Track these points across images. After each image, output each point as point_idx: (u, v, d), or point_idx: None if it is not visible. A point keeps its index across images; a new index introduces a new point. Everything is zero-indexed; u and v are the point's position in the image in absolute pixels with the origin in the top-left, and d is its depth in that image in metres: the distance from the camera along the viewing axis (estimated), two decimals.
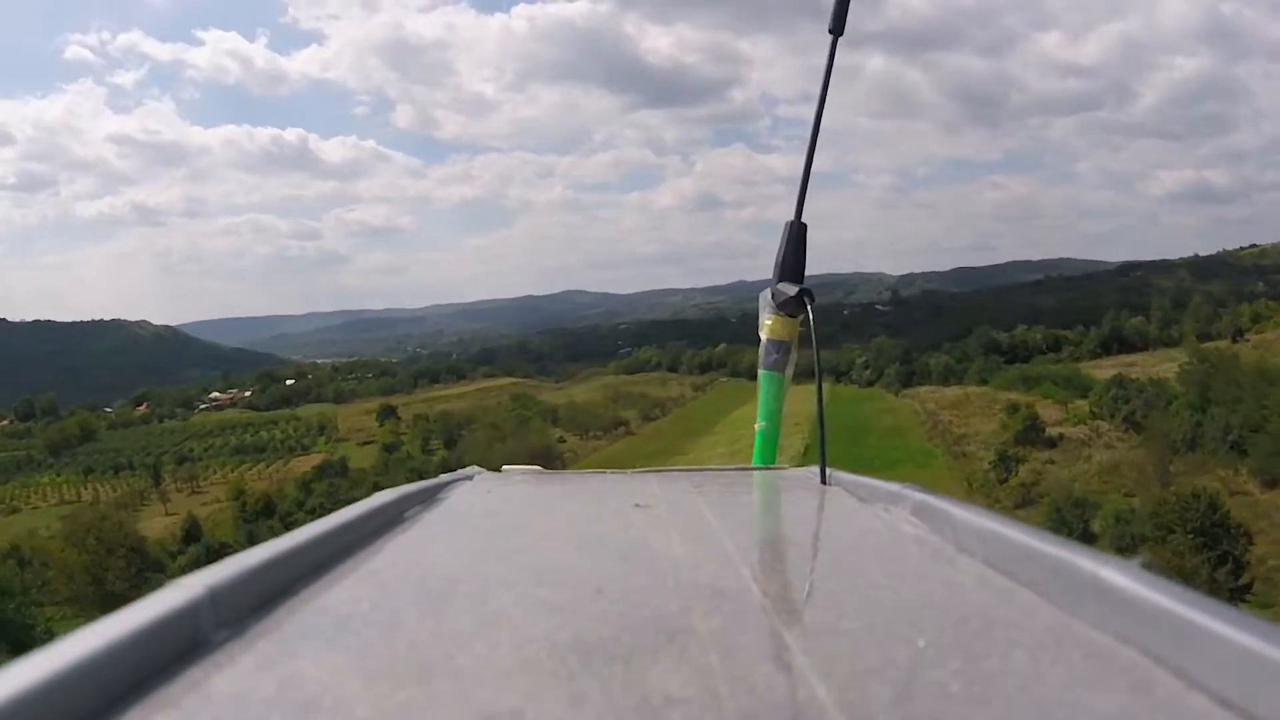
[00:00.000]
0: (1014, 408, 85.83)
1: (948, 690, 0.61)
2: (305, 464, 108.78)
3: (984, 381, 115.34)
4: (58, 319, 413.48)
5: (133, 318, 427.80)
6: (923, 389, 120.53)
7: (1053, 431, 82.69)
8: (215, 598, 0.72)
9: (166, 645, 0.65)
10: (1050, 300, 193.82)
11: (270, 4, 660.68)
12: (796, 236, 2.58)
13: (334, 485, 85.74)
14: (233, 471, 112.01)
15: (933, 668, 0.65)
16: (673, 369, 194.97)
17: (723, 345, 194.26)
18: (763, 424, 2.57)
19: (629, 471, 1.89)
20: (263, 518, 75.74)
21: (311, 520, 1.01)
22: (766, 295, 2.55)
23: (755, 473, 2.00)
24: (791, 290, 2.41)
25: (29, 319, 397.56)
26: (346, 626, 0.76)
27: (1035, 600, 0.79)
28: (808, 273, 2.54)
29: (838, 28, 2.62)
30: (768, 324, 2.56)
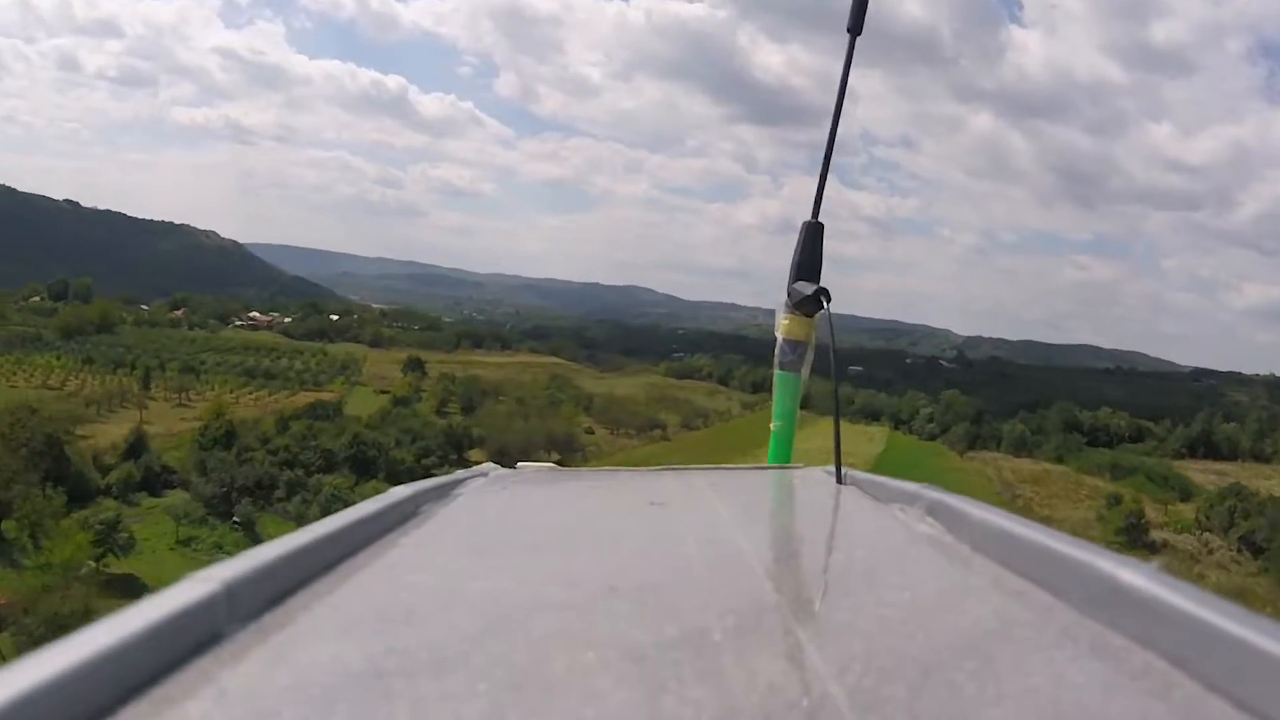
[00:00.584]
0: (1114, 499, 73.29)
1: (963, 691, 0.61)
2: (306, 399, 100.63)
3: (1060, 460, 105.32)
4: (129, 213, 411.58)
5: (202, 226, 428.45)
6: (991, 454, 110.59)
7: (1156, 535, 69.84)
8: (231, 592, 0.72)
9: (183, 639, 0.65)
10: (1120, 391, 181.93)
11: None
12: (813, 236, 2.55)
13: (313, 428, 76.70)
14: (231, 392, 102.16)
15: (948, 668, 0.65)
16: (724, 382, 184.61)
17: None
18: (778, 423, 2.54)
19: (644, 469, 1.89)
20: (219, 447, 64.94)
21: (316, 519, 0.99)
22: (782, 293, 2.53)
23: (770, 471, 1.99)
24: (808, 289, 2.35)
25: (100, 207, 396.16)
26: (360, 622, 0.77)
27: (1052, 601, 0.78)
28: (826, 274, 2.51)
29: (856, 27, 2.63)
30: (784, 323, 2.52)
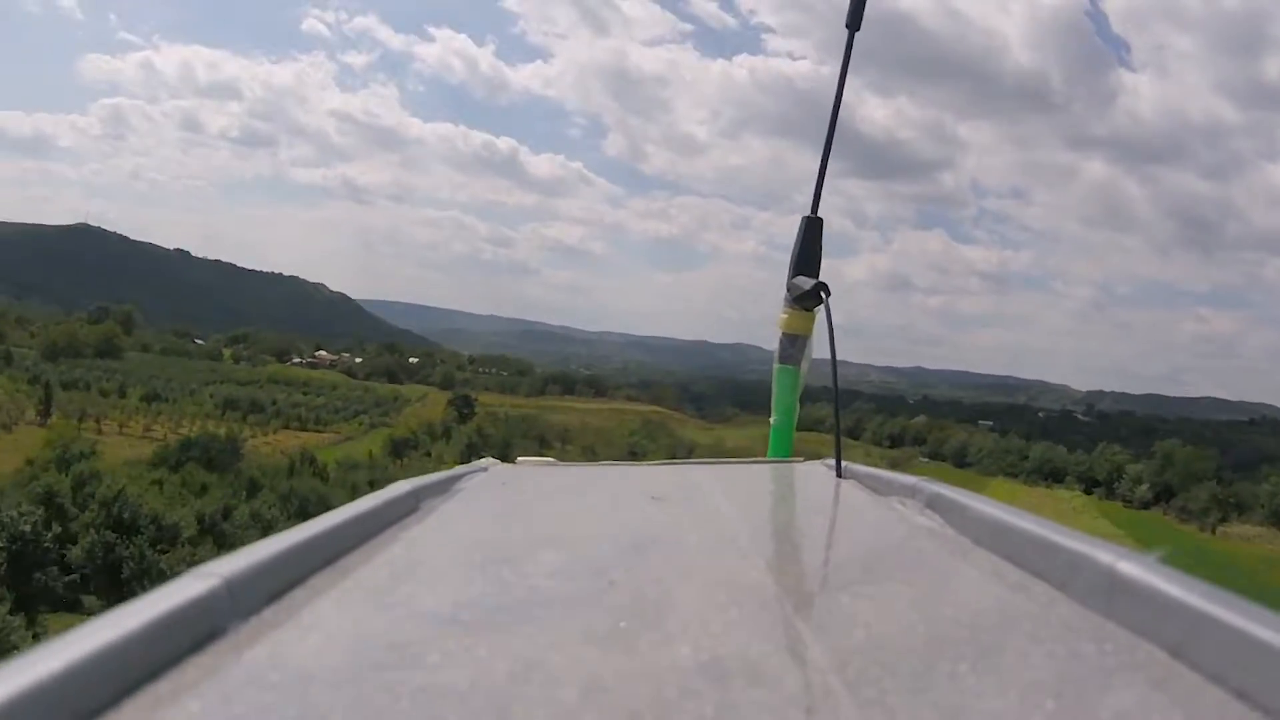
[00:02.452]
0: None
1: (963, 683, 0.60)
2: (289, 440, 78.38)
3: None
4: (240, 264, 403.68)
5: (312, 279, 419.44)
6: (1252, 527, 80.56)
7: None
8: (231, 588, 0.71)
9: (184, 634, 0.64)
10: (1274, 442, 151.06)
11: (502, 13, 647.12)
12: (813, 231, 2.53)
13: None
14: (194, 422, 73.62)
15: (948, 660, 0.64)
16: (854, 435, 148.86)
17: (923, 417, 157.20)
18: (777, 418, 2.48)
19: (644, 464, 1.86)
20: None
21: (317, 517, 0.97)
22: (783, 288, 2.47)
23: (770, 465, 1.95)
24: (808, 284, 2.28)
25: (210, 257, 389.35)
26: (361, 616, 0.76)
27: (1052, 594, 0.77)
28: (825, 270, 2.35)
29: (854, 22, 2.56)
30: (783, 318, 2.47)
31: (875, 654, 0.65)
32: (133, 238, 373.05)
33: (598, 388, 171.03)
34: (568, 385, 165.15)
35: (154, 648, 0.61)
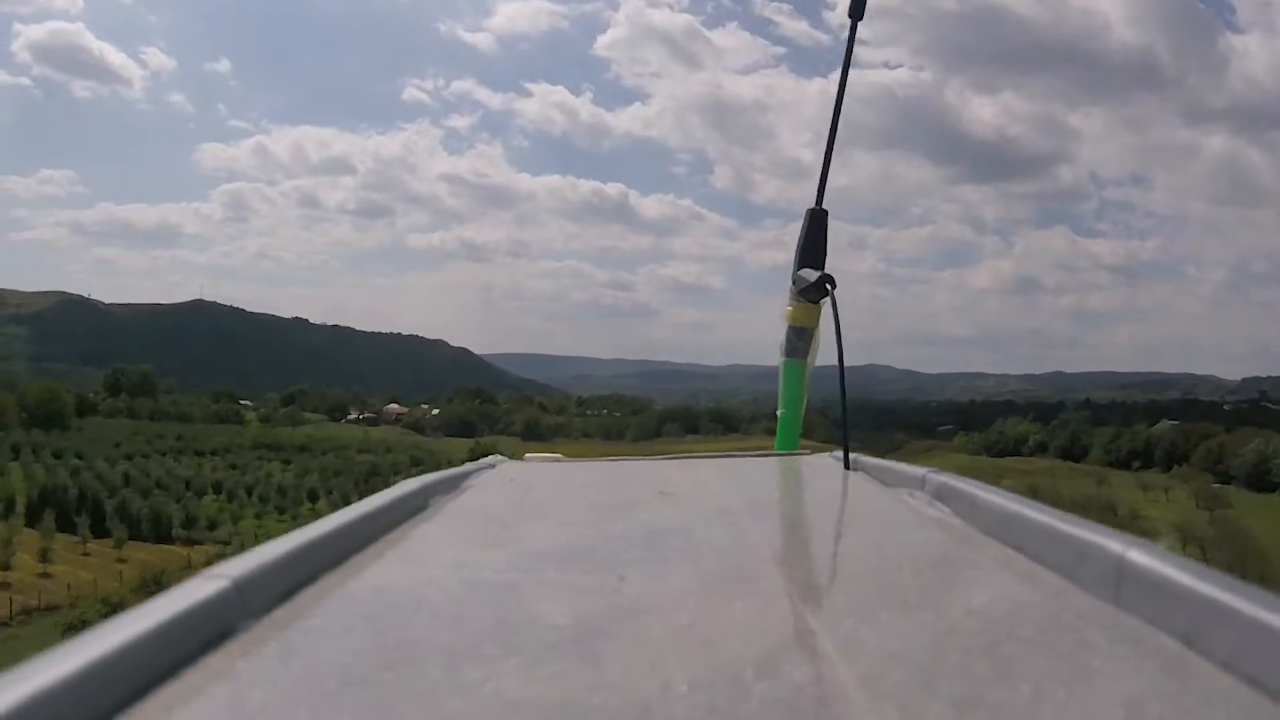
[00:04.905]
0: None
1: (973, 673, 0.58)
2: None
3: None
4: (357, 327, 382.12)
5: (431, 337, 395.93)
6: None
7: None
8: (241, 588, 0.69)
9: (194, 635, 0.63)
10: None
11: (594, 60, 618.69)
12: (818, 223, 2.45)
13: None
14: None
15: (959, 651, 0.61)
16: (1070, 456, 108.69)
17: (1166, 422, 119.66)
18: (784, 411, 2.43)
19: (652, 458, 1.80)
20: None
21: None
22: (788, 280, 2.41)
23: (778, 458, 1.88)
24: (813, 276, 2.21)
25: (329, 323, 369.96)
26: (371, 615, 0.73)
27: (1062, 583, 0.74)
28: (831, 261, 2.29)
29: (857, 11, 2.50)
30: (789, 310, 2.40)
31: (886, 646, 0.63)
32: (249, 309, 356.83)
33: (726, 422, 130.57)
34: (690, 422, 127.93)
35: (164, 649, 0.59)
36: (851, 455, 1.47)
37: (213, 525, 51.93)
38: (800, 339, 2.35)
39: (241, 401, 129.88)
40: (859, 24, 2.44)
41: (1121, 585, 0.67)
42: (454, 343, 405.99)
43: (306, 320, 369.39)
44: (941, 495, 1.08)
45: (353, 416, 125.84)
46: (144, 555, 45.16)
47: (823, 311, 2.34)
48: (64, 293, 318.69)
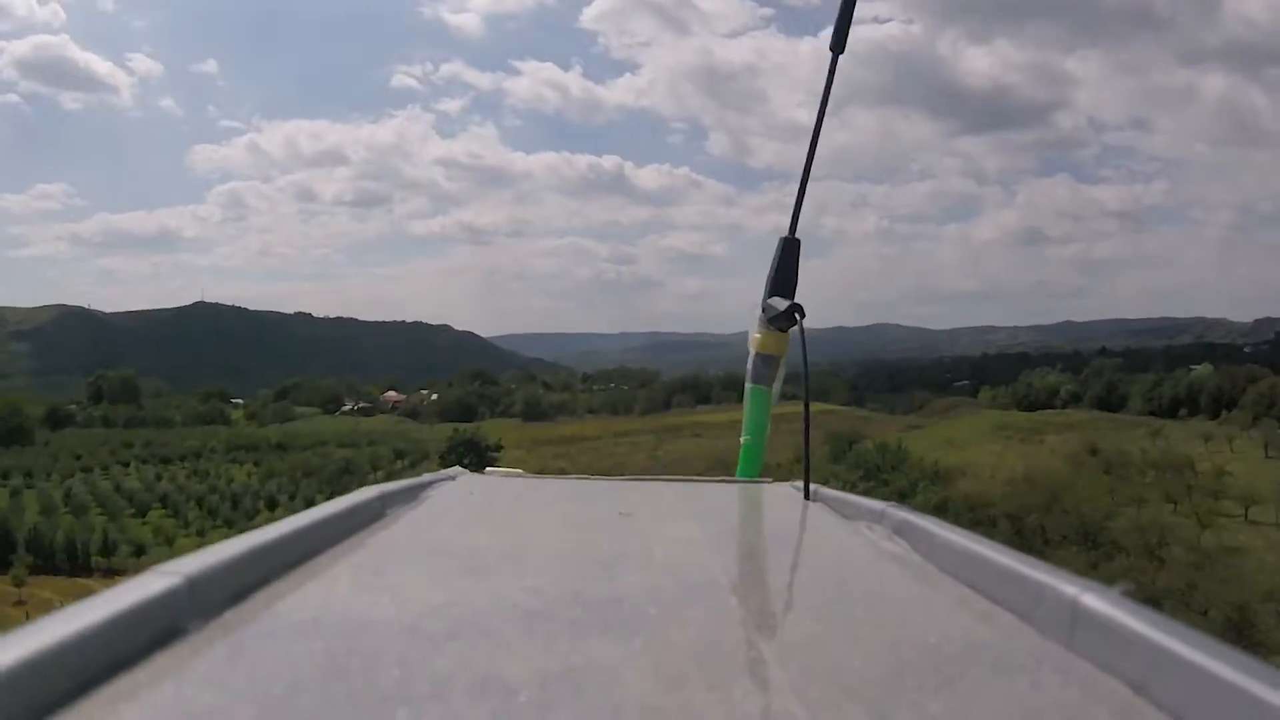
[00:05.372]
0: None
1: (925, 711, 0.57)
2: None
3: None
4: (361, 318, 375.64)
5: (436, 322, 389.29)
6: None
7: None
8: (193, 587, 0.67)
9: (142, 632, 0.61)
10: None
11: (581, 34, 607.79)
12: (790, 252, 2.42)
13: None
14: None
15: (911, 689, 0.61)
16: (1106, 406, 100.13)
17: (1205, 365, 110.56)
18: (747, 438, 2.43)
19: (614, 479, 1.80)
20: None
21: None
22: (757, 308, 2.40)
23: (739, 485, 1.87)
24: (782, 305, 2.21)
25: (332, 315, 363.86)
26: (322, 621, 0.72)
27: (1016, 624, 0.74)
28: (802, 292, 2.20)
29: (838, 45, 2.48)
30: (757, 338, 2.41)
31: (837, 679, 0.62)
32: (252, 308, 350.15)
33: (740, 390, 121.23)
34: (701, 392, 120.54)
35: (110, 645, 0.58)
36: (812, 486, 1.46)
37: (140, 550, 44.91)
38: (767, 366, 2.36)
39: (232, 400, 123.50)
40: (839, 58, 2.41)
41: (1075, 628, 0.67)
42: (459, 327, 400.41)
43: (310, 314, 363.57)
44: (900, 530, 1.07)
45: (347, 408, 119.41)
46: (48, 593, 38.37)
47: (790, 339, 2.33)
48: (64, 305, 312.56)
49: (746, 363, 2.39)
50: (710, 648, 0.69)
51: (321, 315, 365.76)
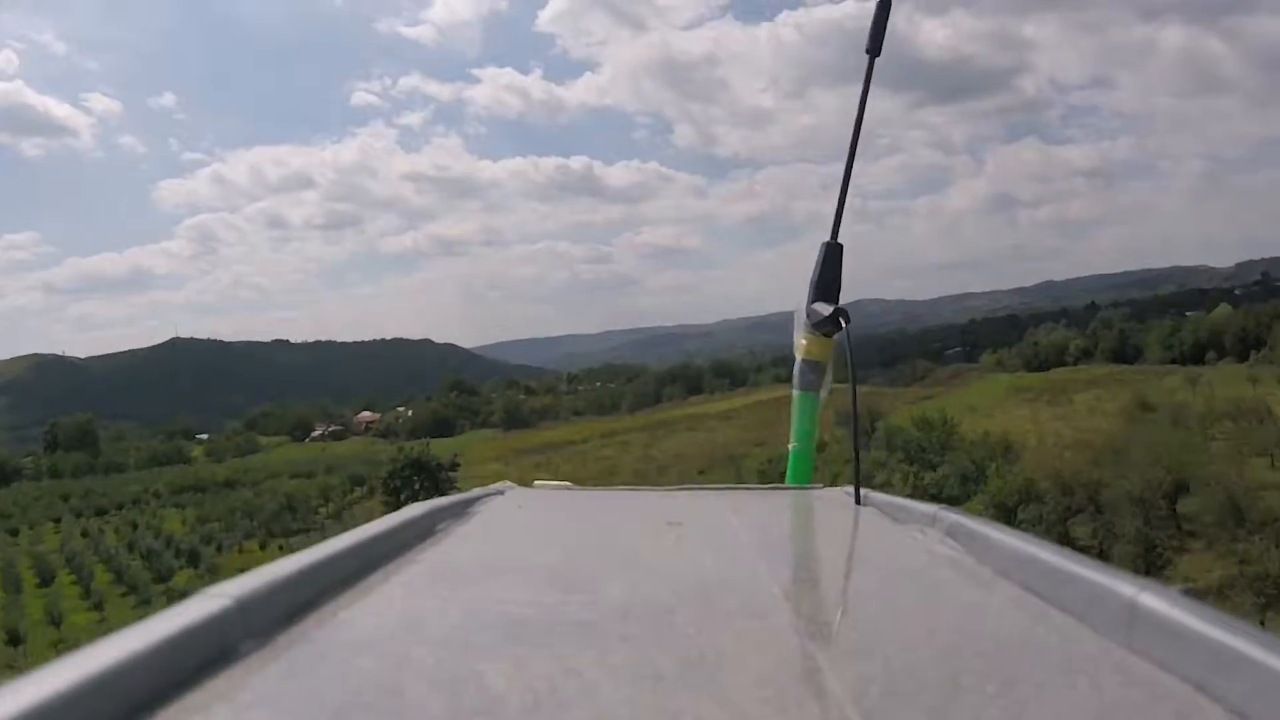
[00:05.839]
0: None
1: (983, 715, 0.56)
2: None
3: None
4: (339, 339, 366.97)
5: (415, 338, 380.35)
6: None
7: None
8: (243, 608, 0.67)
9: (194, 654, 0.61)
10: None
11: (538, 37, 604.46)
12: (833, 257, 2.35)
13: None
14: None
15: (968, 692, 0.59)
16: (1121, 358, 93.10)
17: (1224, 306, 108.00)
18: (796, 445, 2.38)
19: (662, 489, 1.75)
20: None
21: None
22: (801, 314, 2.34)
23: (788, 492, 1.84)
24: (826, 310, 2.16)
25: (310, 340, 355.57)
26: (375, 640, 0.71)
27: (1074, 625, 0.72)
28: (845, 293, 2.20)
29: (875, 48, 2.40)
30: (803, 344, 2.34)
31: (894, 685, 0.61)
32: (227, 340, 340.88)
33: (731, 376, 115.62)
34: (690, 383, 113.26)
35: (163, 667, 0.57)
36: (863, 491, 1.44)
37: (14, 639, 35.52)
38: (813, 372, 2.30)
39: (197, 436, 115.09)
40: (876, 61, 2.33)
41: (1133, 628, 0.66)
42: (440, 340, 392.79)
43: (287, 341, 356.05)
44: (953, 533, 1.06)
45: (318, 433, 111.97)
46: None
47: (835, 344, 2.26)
48: (37, 355, 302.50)
49: (793, 369, 2.30)
50: (766, 658, 0.68)
51: (299, 341, 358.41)
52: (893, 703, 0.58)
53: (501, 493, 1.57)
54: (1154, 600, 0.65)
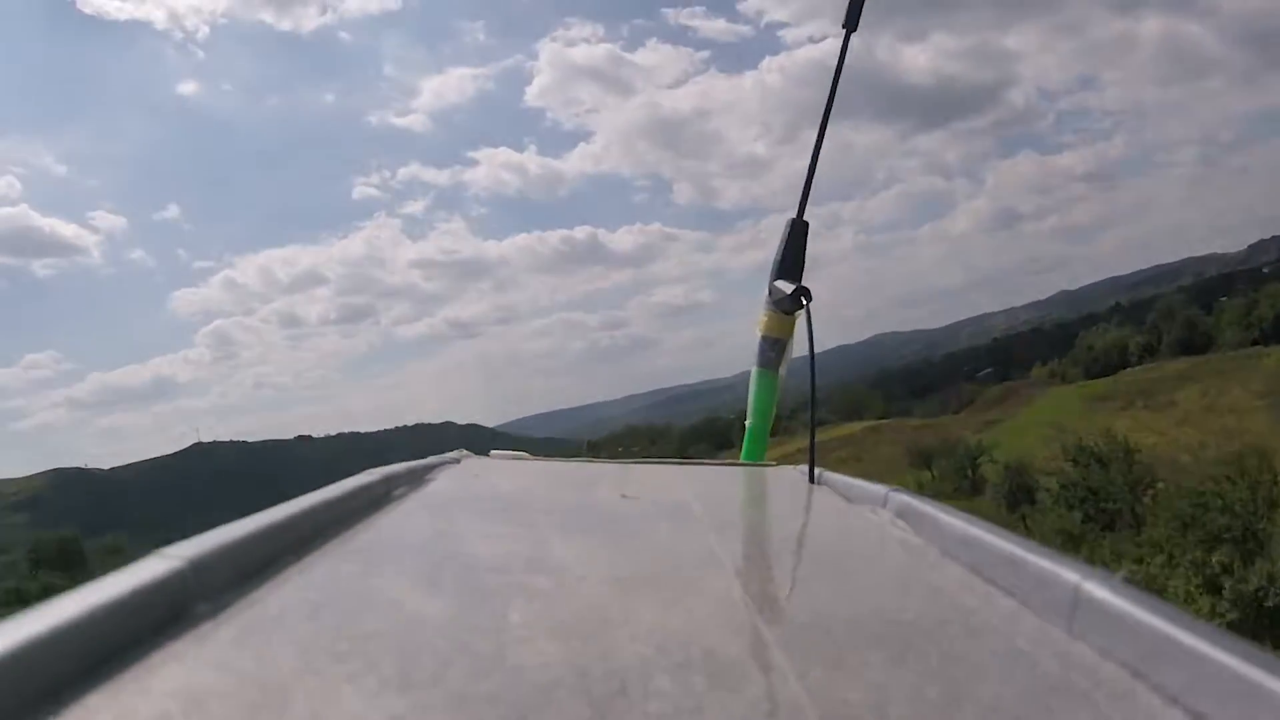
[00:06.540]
0: None
1: (925, 694, 0.57)
2: None
3: None
4: (361, 430, 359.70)
5: (437, 421, 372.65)
6: None
7: None
8: (197, 569, 0.65)
9: (147, 615, 0.59)
10: None
11: (529, 112, 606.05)
12: (798, 234, 2.39)
13: None
14: None
15: (911, 671, 0.60)
16: (1191, 349, 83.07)
17: None
18: (753, 421, 2.41)
19: (617, 461, 1.76)
20: None
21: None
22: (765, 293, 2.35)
23: (744, 469, 1.84)
24: (789, 288, 2.14)
25: (332, 434, 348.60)
26: (328, 603, 0.70)
27: (1017, 608, 0.73)
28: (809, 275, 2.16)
29: (851, 22, 2.39)
30: (763, 320, 2.37)
31: (838, 660, 0.62)
32: (250, 440, 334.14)
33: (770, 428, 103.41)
34: (719, 438, 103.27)
35: (115, 627, 0.56)
36: (816, 470, 1.43)
37: None
38: (773, 350, 2.30)
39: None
40: (852, 35, 2.34)
41: (1076, 614, 0.66)
42: (463, 421, 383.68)
43: (310, 436, 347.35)
44: (903, 514, 1.05)
45: None
46: None
47: (796, 323, 2.26)
48: (60, 469, 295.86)
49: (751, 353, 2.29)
50: (712, 629, 0.68)
51: (321, 435, 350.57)
52: (836, 677, 0.59)
53: (458, 460, 1.55)
54: (1097, 588, 0.65)
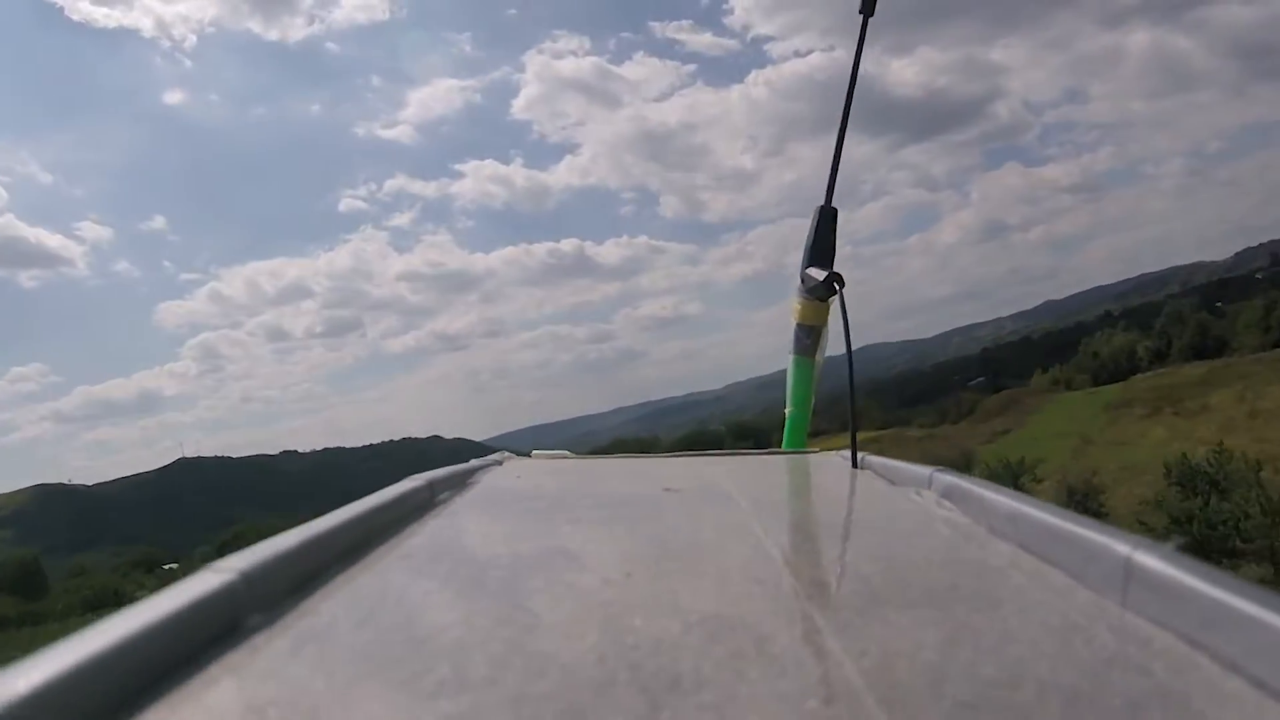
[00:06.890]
0: None
1: (980, 671, 0.56)
2: None
3: None
4: (347, 445, 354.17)
5: (423, 435, 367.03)
6: None
7: None
8: (249, 581, 0.65)
9: (202, 629, 0.60)
10: None
11: (515, 125, 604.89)
12: (827, 221, 2.36)
13: None
14: None
15: (966, 650, 0.59)
16: (1203, 354, 78.67)
17: None
18: (792, 409, 2.39)
19: (658, 456, 1.75)
20: None
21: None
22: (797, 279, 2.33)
23: (785, 456, 1.82)
24: (820, 275, 2.10)
25: (318, 448, 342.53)
26: (380, 610, 0.70)
27: (1069, 583, 0.71)
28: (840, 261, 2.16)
29: (868, 8, 2.40)
30: (797, 308, 2.35)
31: (893, 645, 0.60)
32: (235, 455, 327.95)
33: (755, 439, 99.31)
34: (709, 448, 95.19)
35: (171, 642, 0.57)
36: (860, 454, 1.41)
37: None
38: (808, 336, 2.27)
39: (166, 565, 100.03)
40: (869, 21, 2.33)
41: (1129, 585, 0.65)
42: (449, 435, 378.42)
43: (296, 451, 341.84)
44: (949, 494, 1.05)
45: None
46: None
47: (831, 309, 2.23)
48: (43, 484, 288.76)
49: (790, 347, 2.30)
50: (764, 618, 0.67)
51: (307, 450, 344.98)
52: (893, 661, 0.58)
53: (500, 463, 1.55)
54: (1148, 558, 0.64)
